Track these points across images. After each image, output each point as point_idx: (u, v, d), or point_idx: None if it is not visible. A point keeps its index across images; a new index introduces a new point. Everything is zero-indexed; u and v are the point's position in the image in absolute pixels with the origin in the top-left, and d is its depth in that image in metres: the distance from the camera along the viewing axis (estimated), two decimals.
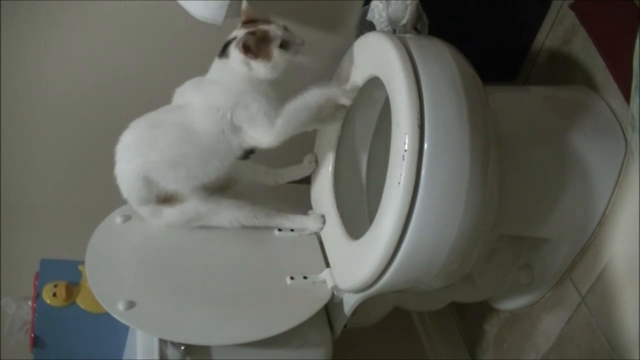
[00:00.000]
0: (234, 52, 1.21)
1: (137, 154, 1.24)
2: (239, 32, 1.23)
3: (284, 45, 1.21)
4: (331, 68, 1.35)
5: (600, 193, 1.32)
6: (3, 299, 1.51)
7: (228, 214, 1.30)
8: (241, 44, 1.19)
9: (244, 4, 1.24)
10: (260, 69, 1.21)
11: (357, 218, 1.37)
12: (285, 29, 1.22)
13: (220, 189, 1.32)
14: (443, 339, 1.77)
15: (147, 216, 1.30)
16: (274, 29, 1.21)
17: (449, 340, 1.76)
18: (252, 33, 1.20)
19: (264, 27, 1.21)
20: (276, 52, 1.20)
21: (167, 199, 1.27)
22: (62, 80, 1.56)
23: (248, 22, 1.24)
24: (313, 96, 1.24)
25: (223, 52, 1.24)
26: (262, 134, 1.23)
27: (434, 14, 1.36)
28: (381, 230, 1.09)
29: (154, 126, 1.25)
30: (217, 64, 1.25)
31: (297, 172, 1.41)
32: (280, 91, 1.25)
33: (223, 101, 1.21)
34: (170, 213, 1.29)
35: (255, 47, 1.20)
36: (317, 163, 1.41)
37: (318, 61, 1.23)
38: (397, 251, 1.08)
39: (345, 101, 1.26)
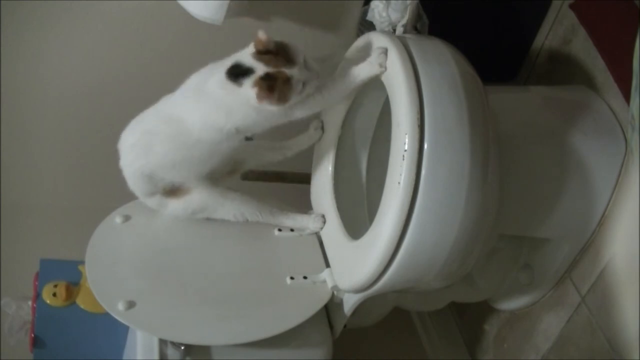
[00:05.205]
0: (250, 90, 1.11)
1: (138, 156, 1.24)
2: (256, 64, 1.12)
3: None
4: (331, 68, 1.35)
5: (600, 193, 1.32)
6: (3, 299, 1.51)
7: (233, 207, 1.31)
8: (264, 92, 1.10)
9: (261, 32, 1.12)
10: (271, 107, 1.13)
11: (357, 218, 1.37)
12: (304, 61, 1.13)
13: (228, 174, 1.32)
14: (443, 339, 1.77)
15: (154, 207, 1.31)
16: (297, 75, 1.12)
17: (449, 340, 1.76)
18: (273, 78, 1.11)
19: (286, 70, 1.11)
20: (293, 99, 1.13)
21: (173, 191, 1.28)
22: (62, 80, 1.56)
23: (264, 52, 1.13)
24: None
25: (234, 76, 1.13)
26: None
27: (434, 14, 1.36)
28: (381, 230, 1.09)
29: (150, 133, 1.23)
30: (226, 85, 1.14)
31: (304, 141, 1.36)
32: None
33: (224, 123, 1.17)
34: (175, 205, 1.29)
35: (278, 92, 1.11)
36: (323, 129, 1.37)
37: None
38: (397, 251, 1.08)
39: (375, 71, 1.16)
